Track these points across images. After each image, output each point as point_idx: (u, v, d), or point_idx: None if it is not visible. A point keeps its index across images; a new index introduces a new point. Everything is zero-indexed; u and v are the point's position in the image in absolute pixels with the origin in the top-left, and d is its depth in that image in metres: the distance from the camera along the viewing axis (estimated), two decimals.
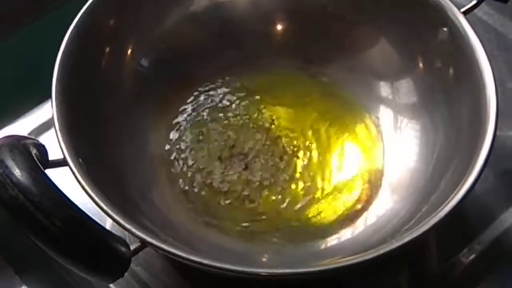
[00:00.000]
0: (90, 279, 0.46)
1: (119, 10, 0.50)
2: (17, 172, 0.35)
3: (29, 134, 0.53)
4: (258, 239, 0.47)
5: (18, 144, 0.38)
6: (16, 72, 0.62)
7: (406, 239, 0.38)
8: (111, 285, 0.47)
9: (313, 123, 0.52)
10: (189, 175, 0.50)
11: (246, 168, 0.50)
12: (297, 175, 0.50)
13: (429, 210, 0.41)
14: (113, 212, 0.38)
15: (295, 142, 0.51)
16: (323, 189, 0.49)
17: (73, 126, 0.43)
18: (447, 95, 0.48)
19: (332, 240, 0.47)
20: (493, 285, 0.48)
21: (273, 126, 0.52)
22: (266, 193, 0.49)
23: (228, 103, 0.53)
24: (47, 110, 0.43)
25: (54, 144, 0.41)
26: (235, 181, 0.49)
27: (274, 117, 0.52)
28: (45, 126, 0.53)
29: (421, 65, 0.50)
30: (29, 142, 0.39)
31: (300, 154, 0.51)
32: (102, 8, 0.49)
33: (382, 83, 0.52)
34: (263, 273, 0.38)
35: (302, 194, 0.49)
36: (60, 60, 0.45)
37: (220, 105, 0.53)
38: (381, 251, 0.38)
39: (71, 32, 0.46)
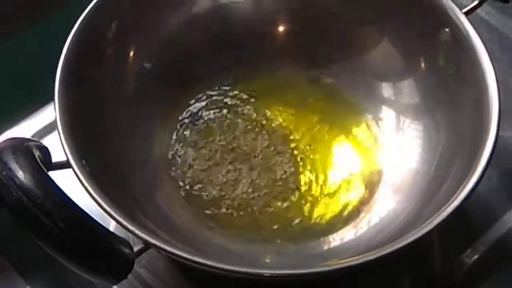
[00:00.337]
0: (93, 281, 0.46)
1: (121, 12, 0.50)
2: (20, 174, 0.35)
3: (32, 136, 0.53)
4: (261, 240, 0.47)
5: (21, 146, 0.38)
6: (19, 74, 0.62)
7: (409, 239, 0.38)
8: (114, 286, 0.47)
9: (316, 125, 0.52)
10: (192, 177, 0.50)
11: (248, 169, 0.50)
12: (300, 176, 0.50)
13: (432, 210, 0.40)
14: (116, 213, 0.39)
15: (297, 144, 0.51)
16: (325, 190, 0.49)
17: (76, 128, 0.43)
18: (450, 95, 0.48)
19: (335, 241, 0.47)
20: (496, 285, 0.48)
21: (275, 128, 0.52)
22: (268, 194, 0.49)
23: (230, 105, 0.53)
24: (50, 113, 0.44)
25: (57, 146, 0.41)
26: (237, 183, 0.49)
27: (276, 119, 0.53)
28: (48, 129, 0.53)
29: (423, 65, 0.50)
30: (32, 144, 0.39)
31: (303, 155, 0.51)
32: (105, 10, 0.49)
33: (384, 84, 0.52)
34: (266, 274, 0.38)
35: (304, 195, 0.49)
36: (63, 62, 0.45)
37: (222, 107, 0.53)
38: (384, 252, 0.38)
39: (73, 34, 0.46)
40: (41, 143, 0.41)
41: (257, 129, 0.52)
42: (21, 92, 0.61)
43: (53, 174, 0.38)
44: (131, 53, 0.51)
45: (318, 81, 0.54)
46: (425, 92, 0.50)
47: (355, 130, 0.52)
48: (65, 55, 0.45)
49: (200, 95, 0.53)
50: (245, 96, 0.54)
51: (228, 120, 0.52)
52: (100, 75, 0.48)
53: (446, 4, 0.47)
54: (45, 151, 0.40)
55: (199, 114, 0.53)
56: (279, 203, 0.48)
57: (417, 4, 0.49)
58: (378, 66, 0.53)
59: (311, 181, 0.49)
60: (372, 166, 0.50)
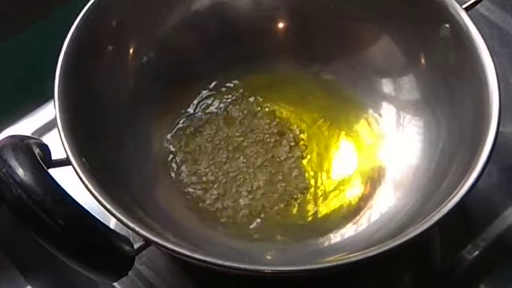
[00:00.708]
0: (94, 278, 0.46)
1: (120, 10, 0.50)
2: (20, 172, 0.35)
3: (32, 134, 0.53)
4: (261, 237, 0.47)
5: (21, 144, 0.38)
6: (18, 72, 0.62)
7: (410, 235, 0.38)
8: (115, 284, 0.47)
9: (316, 121, 0.52)
10: (191, 175, 0.50)
11: (248, 167, 0.50)
12: (300, 173, 0.50)
13: (433, 206, 0.40)
14: (116, 211, 0.38)
15: (297, 141, 0.51)
16: (326, 187, 0.49)
17: (76, 125, 0.43)
18: (450, 91, 0.48)
19: (336, 237, 0.47)
20: (497, 281, 0.48)
21: (275, 125, 0.52)
22: (269, 191, 0.49)
23: (230, 102, 0.53)
24: (50, 110, 0.44)
25: (57, 144, 0.41)
26: (237, 180, 0.49)
27: (276, 116, 0.53)
28: (48, 126, 0.53)
29: (423, 61, 0.50)
30: (32, 141, 0.39)
31: (303, 152, 0.51)
32: (104, 8, 0.49)
33: (384, 80, 0.52)
34: (267, 271, 0.38)
35: (305, 192, 0.49)
36: (63, 60, 0.45)
37: (222, 104, 0.53)
38: (385, 248, 0.38)
39: (73, 32, 0.46)
40: (41, 140, 0.41)
41: (257, 126, 0.52)
42: (21, 90, 0.61)
43: (53, 172, 0.38)
44: (131, 51, 0.51)
45: (318, 78, 0.54)
46: (425, 88, 0.50)
47: (355, 127, 0.52)
48: (65, 53, 0.45)
49: (199, 93, 0.53)
50: (245, 93, 0.54)
51: (228, 118, 0.52)
52: (100, 72, 0.48)
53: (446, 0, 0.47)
54: (45, 148, 0.40)
55: (199, 111, 0.53)
56: (280, 200, 0.48)
57: (417, 0, 0.49)
58: (378, 62, 0.52)
59: (311, 178, 0.49)
60: (373, 162, 0.50)
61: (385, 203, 0.47)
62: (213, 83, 0.54)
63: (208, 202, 0.48)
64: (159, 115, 0.51)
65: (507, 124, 0.50)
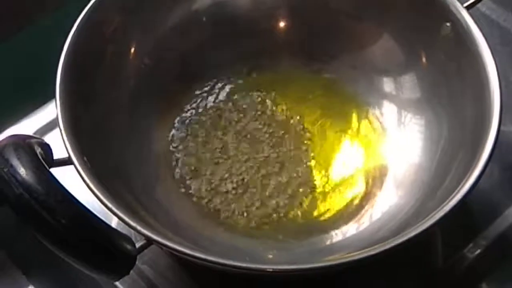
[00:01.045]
0: (96, 277, 0.46)
1: (121, 9, 0.50)
2: (22, 171, 0.36)
3: (34, 133, 0.53)
4: (263, 236, 0.47)
5: (23, 143, 0.38)
6: (20, 72, 0.62)
7: (411, 234, 0.38)
8: (117, 283, 0.47)
9: (317, 120, 0.52)
10: (193, 173, 0.50)
11: (249, 165, 0.50)
12: (301, 172, 0.50)
13: (434, 205, 0.40)
14: (118, 210, 0.39)
15: (299, 140, 0.51)
16: (327, 186, 0.49)
17: (77, 125, 0.43)
18: (451, 90, 0.48)
19: (338, 236, 0.47)
20: (498, 280, 0.48)
21: (277, 123, 0.52)
22: (271, 190, 0.49)
23: (231, 101, 0.53)
24: (52, 110, 0.43)
25: (58, 143, 0.41)
26: (238, 179, 0.49)
27: (277, 115, 0.53)
28: (50, 126, 0.53)
29: (424, 60, 0.50)
30: (33, 141, 0.39)
31: (304, 151, 0.51)
32: (105, 7, 0.49)
33: (385, 79, 0.52)
34: (268, 269, 0.38)
35: (306, 191, 0.49)
36: (64, 60, 0.45)
37: (223, 103, 0.53)
38: (386, 246, 0.38)
39: (74, 32, 0.46)
40: (42, 140, 0.41)
41: (258, 126, 0.52)
42: (22, 90, 0.61)
43: (54, 171, 0.38)
44: (131, 50, 0.51)
45: (319, 76, 0.54)
46: (426, 87, 0.50)
47: (356, 125, 0.52)
48: (66, 53, 0.45)
49: (200, 92, 0.53)
50: (246, 93, 0.54)
51: (229, 116, 0.52)
52: (101, 72, 0.48)
53: None
54: (46, 148, 0.40)
55: (200, 110, 0.53)
56: (281, 199, 0.48)
57: None
58: (379, 61, 0.53)
59: (312, 177, 0.49)
60: (374, 161, 0.50)
61: (387, 202, 0.47)
62: (214, 82, 0.54)
63: (209, 201, 0.48)
64: (160, 114, 0.52)
65: (508, 123, 0.50)
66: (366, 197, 0.48)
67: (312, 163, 0.50)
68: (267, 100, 0.53)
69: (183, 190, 0.49)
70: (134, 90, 0.50)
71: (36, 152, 0.38)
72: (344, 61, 0.53)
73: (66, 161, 0.41)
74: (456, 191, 0.39)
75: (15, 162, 0.36)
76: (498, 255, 0.49)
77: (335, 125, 0.52)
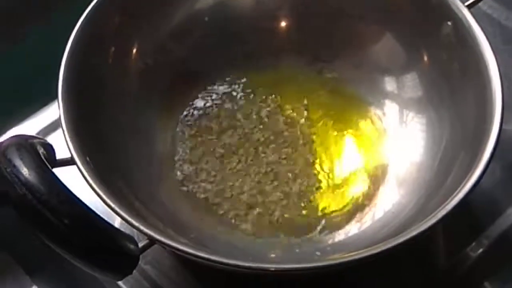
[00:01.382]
0: (99, 277, 0.46)
1: (123, 10, 0.50)
2: (25, 171, 0.36)
3: (37, 134, 0.53)
4: (265, 236, 0.47)
5: (25, 144, 0.38)
6: (22, 73, 0.63)
7: (413, 232, 0.38)
8: (120, 282, 0.47)
9: (320, 119, 0.52)
10: (195, 173, 0.50)
11: (251, 165, 0.50)
12: (303, 171, 0.50)
13: (436, 203, 0.40)
14: (121, 209, 0.39)
15: (301, 139, 0.51)
16: (329, 185, 0.49)
17: (80, 125, 0.43)
18: (453, 89, 0.48)
19: (340, 235, 0.47)
20: (501, 279, 0.48)
21: (279, 123, 0.52)
22: (273, 190, 0.49)
23: (233, 101, 0.53)
24: (54, 110, 0.44)
25: (61, 143, 0.41)
26: (241, 178, 0.49)
27: (280, 115, 0.53)
28: (52, 127, 0.54)
29: (426, 59, 0.50)
30: (36, 141, 0.39)
31: (306, 150, 0.51)
32: (107, 8, 0.49)
33: (387, 78, 0.52)
34: (271, 269, 0.38)
35: (309, 190, 0.49)
36: (66, 61, 0.45)
37: (225, 103, 0.53)
38: (389, 245, 0.38)
39: (76, 33, 0.46)
40: (45, 140, 0.41)
41: (260, 125, 0.52)
42: (25, 90, 0.61)
43: (57, 171, 0.38)
44: (134, 50, 0.51)
45: (321, 76, 0.54)
46: (428, 86, 0.50)
47: (358, 125, 0.52)
48: (68, 53, 0.45)
49: (203, 91, 0.54)
50: (248, 92, 0.54)
51: (231, 116, 0.53)
52: (103, 72, 0.48)
53: None
54: (49, 148, 0.40)
55: (202, 110, 0.53)
56: (284, 199, 0.49)
57: None
58: (380, 60, 0.53)
59: (315, 176, 0.49)
60: (376, 160, 0.50)
61: (389, 201, 0.47)
62: (216, 82, 0.54)
63: (212, 201, 0.48)
64: (162, 114, 0.52)
65: (510, 122, 0.50)
66: (369, 196, 0.48)
67: (315, 162, 0.50)
68: (269, 100, 0.53)
69: (185, 190, 0.49)
70: (136, 91, 0.51)
71: (38, 152, 0.38)
72: (346, 60, 0.53)
73: (69, 161, 0.41)
74: (458, 189, 0.39)
75: (18, 162, 0.36)
76: (501, 254, 0.49)
77: (337, 125, 0.52)
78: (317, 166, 0.50)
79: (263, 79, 0.54)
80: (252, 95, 0.54)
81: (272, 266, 0.39)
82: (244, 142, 0.51)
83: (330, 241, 0.46)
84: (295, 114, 0.53)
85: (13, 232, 0.49)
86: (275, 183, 0.49)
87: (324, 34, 0.54)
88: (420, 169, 0.48)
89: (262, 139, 0.51)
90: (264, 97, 0.54)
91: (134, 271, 0.38)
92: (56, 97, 0.44)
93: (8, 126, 0.54)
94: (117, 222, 0.42)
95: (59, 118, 0.43)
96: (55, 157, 0.41)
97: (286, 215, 0.48)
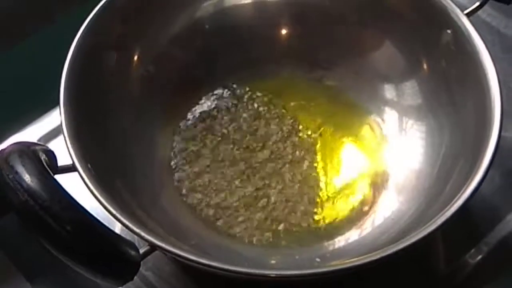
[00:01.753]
0: (100, 283, 0.46)
1: (124, 17, 0.50)
2: (27, 178, 0.36)
3: (38, 140, 0.53)
4: (266, 242, 0.47)
5: (27, 150, 0.38)
6: (24, 80, 0.63)
7: (413, 239, 0.38)
8: None
9: (319, 127, 0.52)
10: (196, 180, 0.50)
11: (252, 172, 0.50)
12: (304, 178, 0.50)
13: (436, 210, 0.41)
14: (122, 216, 0.39)
15: (301, 146, 0.51)
16: (329, 192, 0.49)
17: (81, 132, 0.43)
18: (452, 96, 0.48)
19: (340, 242, 0.47)
20: (500, 285, 0.48)
21: (279, 131, 0.52)
22: (273, 197, 0.49)
23: (233, 109, 0.54)
24: (56, 117, 0.44)
25: (63, 150, 0.42)
26: (241, 186, 0.50)
27: (280, 122, 0.53)
28: (54, 133, 0.54)
29: (425, 67, 0.50)
30: (38, 148, 0.39)
31: (307, 157, 0.51)
32: (108, 16, 0.49)
33: (387, 86, 0.53)
34: (272, 275, 0.38)
35: (308, 197, 0.49)
36: (68, 67, 0.45)
37: (226, 110, 0.53)
38: (388, 252, 0.38)
39: (78, 40, 0.47)
40: (47, 147, 0.41)
41: (260, 132, 0.52)
42: (26, 97, 0.61)
43: (59, 178, 0.38)
44: (135, 57, 0.51)
45: (320, 84, 0.54)
46: (427, 94, 0.50)
47: (358, 132, 0.52)
48: (70, 60, 0.46)
49: (203, 98, 0.54)
50: (248, 100, 0.54)
51: (231, 123, 0.53)
52: (105, 79, 0.49)
53: (448, 5, 0.48)
54: (51, 155, 0.41)
55: (203, 117, 0.53)
56: (284, 206, 0.49)
57: (419, 5, 0.49)
58: (380, 68, 0.53)
59: (315, 183, 0.50)
60: (376, 167, 0.50)
61: (389, 208, 0.48)
62: (217, 89, 0.54)
63: (212, 207, 0.49)
64: (163, 121, 0.52)
65: (509, 129, 0.50)
66: (368, 203, 0.48)
67: (314, 169, 0.50)
68: (269, 108, 0.53)
69: (186, 196, 0.49)
70: (137, 97, 0.51)
71: (40, 159, 0.38)
72: (346, 68, 0.54)
73: (70, 168, 0.41)
74: (458, 196, 0.40)
75: (20, 169, 0.36)
76: (500, 261, 0.49)
77: (337, 132, 0.52)
78: (317, 173, 0.50)
79: (263, 87, 0.54)
80: (252, 103, 0.54)
81: (272, 273, 0.39)
82: (244, 149, 0.51)
83: (330, 248, 0.47)
84: (295, 122, 0.53)
85: (14, 239, 0.49)
86: (276, 190, 0.49)
87: (324, 42, 0.54)
88: (419, 176, 0.48)
89: (262, 147, 0.51)
90: (264, 105, 0.54)
91: (135, 277, 0.38)
92: (57, 104, 0.44)
93: (9, 133, 0.54)
94: (118, 228, 0.42)
95: (61, 124, 0.43)
96: (56, 163, 0.41)
97: (286, 222, 0.48)
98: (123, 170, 0.46)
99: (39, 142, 0.42)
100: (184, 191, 0.49)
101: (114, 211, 0.39)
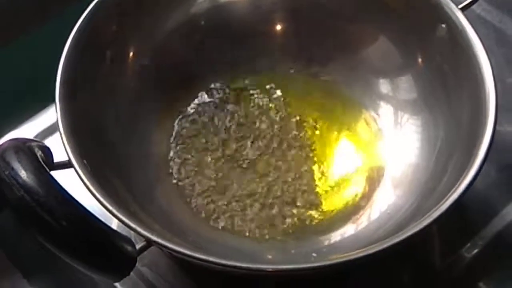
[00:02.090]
0: (96, 279, 0.46)
1: (119, 13, 0.50)
2: (23, 174, 0.36)
3: (34, 137, 0.53)
4: (262, 237, 0.47)
5: (23, 146, 0.38)
6: (20, 76, 0.63)
7: (409, 233, 0.38)
8: (117, 284, 0.47)
9: (315, 122, 0.52)
10: (192, 176, 0.50)
11: (248, 167, 0.50)
12: (299, 173, 0.50)
13: (431, 204, 0.41)
14: (118, 211, 0.39)
15: (297, 141, 0.52)
16: (325, 187, 0.49)
17: (77, 128, 0.43)
18: (447, 90, 0.48)
19: (336, 237, 0.47)
20: (495, 280, 0.48)
21: (274, 126, 0.52)
22: (269, 192, 0.49)
23: (229, 104, 0.54)
24: (52, 114, 0.44)
25: (58, 147, 0.42)
26: (238, 181, 0.50)
27: (275, 117, 0.53)
28: (50, 130, 0.54)
29: (420, 61, 0.50)
30: (34, 144, 0.39)
31: (302, 153, 0.51)
32: (103, 12, 0.49)
33: (382, 80, 0.53)
34: (268, 269, 0.38)
35: (304, 192, 0.49)
36: (64, 64, 0.45)
37: (221, 106, 0.53)
38: (384, 246, 0.38)
39: (73, 37, 0.47)
40: (43, 143, 0.41)
41: (256, 128, 0.52)
42: (22, 94, 0.61)
43: (55, 174, 0.38)
44: (131, 53, 0.51)
45: (316, 79, 0.54)
46: (422, 88, 0.50)
47: (354, 127, 0.52)
48: (65, 56, 0.46)
49: (199, 94, 0.54)
50: (243, 95, 0.54)
51: (227, 119, 0.53)
52: (100, 75, 0.49)
53: (443, 0, 0.48)
54: (47, 151, 0.41)
55: (199, 113, 0.53)
56: (280, 201, 0.49)
57: (414, 0, 0.50)
58: (375, 63, 0.53)
59: (311, 178, 0.50)
60: (372, 161, 0.50)
61: (385, 202, 0.48)
62: (212, 85, 0.54)
63: (208, 203, 0.49)
64: (159, 117, 0.52)
65: (503, 123, 0.50)
66: (364, 197, 0.48)
67: (310, 164, 0.50)
68: (265, 103, 0.54)
69: (182, 192, 0.49)
70: (133, 94, 0.51)
71: (36, 155, 0.38)
72: (341, 63, 0.54)
73: (66, 164, 0.41)
74: (453, 190, 0.40)
75: (16, 165, 0.36)
76: (496, 255, 0.49)
77: (333, 127, 0.52)
78: (313, 168, 0.50)
79: (258, 82, 0.54)
80: (247, 99, 0.54)
81: (269, 267, 0.39)
82: (241, 144, 0.51)
83: (326, 242, 0.47)
84: (291, 117, 0.53)
85: (10, 236, 0.49)
86: (271, 185, 0.49)
87: (319, 37, 0.54)
88: (415, 170, 0.48)
89: (258, 142, 0.51)
90: (259, 100, 0.54)
91: (132, 273, 0.38)
92: (53, 100, 0.44)
93: (6, 130, 0.54)
94: (114, 224, 0.42)
95: (57, 121, 0.43)
96: (52, 160, 0.41)
97: (282, 217, 0.48)
98: (119, 166, 0.46)
99: (35, 139, 0.42)
100: (180, 187, 0.49)
101: (110, 207, 0.39)
